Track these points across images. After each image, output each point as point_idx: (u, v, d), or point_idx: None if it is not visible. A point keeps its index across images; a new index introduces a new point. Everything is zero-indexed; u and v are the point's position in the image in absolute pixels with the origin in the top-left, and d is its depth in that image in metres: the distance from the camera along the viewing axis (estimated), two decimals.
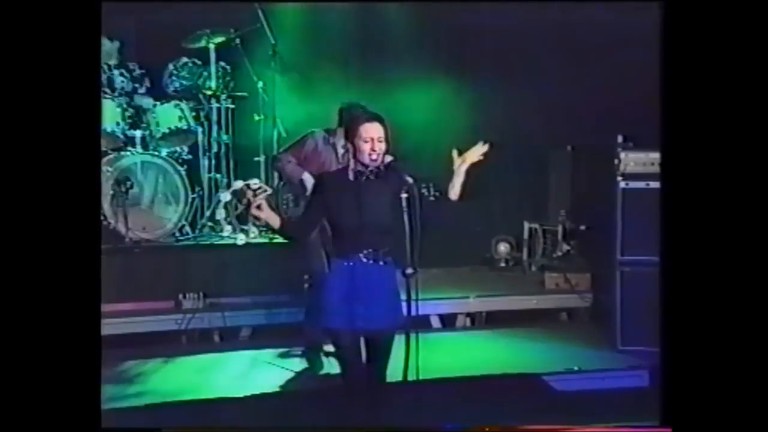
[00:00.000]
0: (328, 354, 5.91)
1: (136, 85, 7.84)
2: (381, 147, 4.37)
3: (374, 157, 4.35)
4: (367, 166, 4.38)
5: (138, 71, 7.87)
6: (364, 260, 4.40)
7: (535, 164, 8.50)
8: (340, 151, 6.16)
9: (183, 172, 7.62)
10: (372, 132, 4.37)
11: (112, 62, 7.75)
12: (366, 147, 4.35)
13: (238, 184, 4.60)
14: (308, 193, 5.57)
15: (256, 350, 6.61)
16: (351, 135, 4.40)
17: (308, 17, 8.32)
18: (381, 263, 4.42)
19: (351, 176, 4.42)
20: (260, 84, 7.85)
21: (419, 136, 7.60)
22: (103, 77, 7.70)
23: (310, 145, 6.12)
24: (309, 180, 5.95)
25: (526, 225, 8.69)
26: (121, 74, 7.75)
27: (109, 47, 7.68)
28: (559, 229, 8.49)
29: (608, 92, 7.78)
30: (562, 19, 8.01)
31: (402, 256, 4.38)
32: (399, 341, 4.43)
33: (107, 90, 7.64)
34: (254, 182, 4.49)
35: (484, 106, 8.28)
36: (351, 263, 4.39)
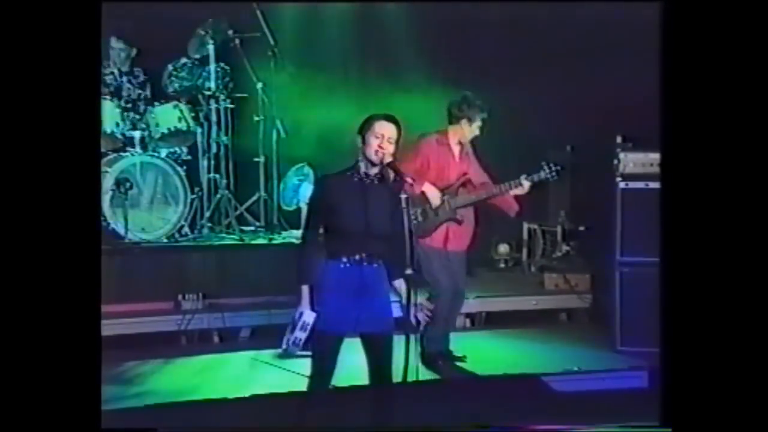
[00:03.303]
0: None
1: (140, 91, 7.84)
2: (389, 147, 4.38)
3: (380, 154, 4.35)
4: (372, 163, 4.37)
5: (143, 77, 7.87)
6: (359, 263, 4.38)
7: (535, 164, 8.49)
8: (456, 149, 6.15)
9: (182, 173, 7.61)
10: (385, 130, 4.39)
11: (125, 68, 7.76)
12: (374, 143, 4.36)
13: None
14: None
15: (255, 351, 6.61)
16: (364, 129, 4.42)
17: (308, 18, 8.32)
18: (374, 266, 4.41)
19: (355, 179, 4.41)
20: (259, 85, 7.85)
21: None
22: (113, 85, 7.70)
23: (425, 149, 6.10)
24: (430, 190, 6.01)
25: (526, 225, 8.70)
26: (129, 81, 7.77)
27: (127, 52, 7.70)
28: (559, 229, 8.50)
29: (608, 92, 7.78)
30: (562, 18, 8.01)
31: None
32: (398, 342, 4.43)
33: (115, 97, 7.63)
34: None
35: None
36: (346, 265, 4.38)
